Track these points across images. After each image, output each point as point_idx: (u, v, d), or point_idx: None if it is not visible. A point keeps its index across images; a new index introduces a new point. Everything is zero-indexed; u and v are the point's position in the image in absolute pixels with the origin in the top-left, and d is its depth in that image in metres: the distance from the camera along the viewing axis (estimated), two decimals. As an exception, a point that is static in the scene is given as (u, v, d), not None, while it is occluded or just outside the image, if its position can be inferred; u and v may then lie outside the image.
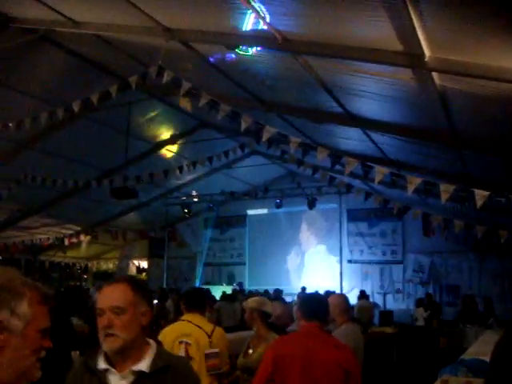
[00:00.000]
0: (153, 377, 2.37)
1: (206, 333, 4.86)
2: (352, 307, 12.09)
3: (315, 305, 4.32)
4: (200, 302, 5.15)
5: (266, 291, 17.29)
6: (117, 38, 8.59)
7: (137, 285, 2.56)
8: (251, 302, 5.62)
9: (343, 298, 6.10)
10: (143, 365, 2.39)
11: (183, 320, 5.02)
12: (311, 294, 5.15)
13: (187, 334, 4.81)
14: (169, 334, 4.88)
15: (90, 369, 2.41)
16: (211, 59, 8.30)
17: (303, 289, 17.17)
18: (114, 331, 2.35)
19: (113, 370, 2.39)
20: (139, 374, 2.37)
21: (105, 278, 22.10)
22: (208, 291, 16.06)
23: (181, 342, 4.77)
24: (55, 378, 2.82)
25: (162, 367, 2.40)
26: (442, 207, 11.94)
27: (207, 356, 4.76)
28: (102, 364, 2.40)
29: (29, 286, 1.68)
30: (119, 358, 2.38)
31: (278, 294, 16.80)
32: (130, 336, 2.39)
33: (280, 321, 6.43)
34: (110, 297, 2.44)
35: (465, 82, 6.31)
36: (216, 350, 4.83)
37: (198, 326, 4.88)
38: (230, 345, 5.56)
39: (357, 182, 12.10)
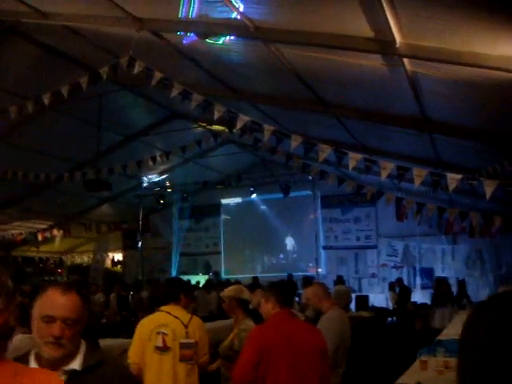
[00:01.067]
0: (85, 374, 2.39)
1: (183, 323, 4.91)
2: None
3: (288, 291, 4.44)
4: (174, 293, 5.16)
5: (238, 281, 17.43)
6: (86, 28, 8.50)
7: (83, 294, 2.59)
8: (229, 291, 5.70)
9: (319, 285, 6.28)
10: (75, 363, 2.40)
11: (162, 311, 5.05)
12: (283, 281, 5.23)
13: (164, 325, 4.85)
14: (146, 325, 4.92)
15: None
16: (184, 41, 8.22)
17: (290, 276, 17.22)
18: (63, 342, 2.33)
19: None
20: (71, 373, 2.37)
21: (79, 271, 21.97)
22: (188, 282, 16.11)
23: (158, 333, 4.81)
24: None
25: (93, 364, 2.43)
26: (415, 191, 12.11)
27: (181, 346, 4.82)
28: (33, 366, 2.35)
29: None
30: (54, 362, 2.36)
31: (256, 282, 16.90)
32: (74, 346, 2.41)
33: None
34: (64, 306, 2.39)
35: (435, 67, 6.39)
36: (191, 341, 4.88)
37: (176, 317, 4.91)
38: (210, 334, 5.61)
39: (330, 169, 12.16)
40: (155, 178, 18.73)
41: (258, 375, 3.94)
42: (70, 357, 2.40)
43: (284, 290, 4.40)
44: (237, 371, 4.09)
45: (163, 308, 5.08)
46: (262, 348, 3.97)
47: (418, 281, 17.91)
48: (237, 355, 5.20)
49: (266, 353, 3.95)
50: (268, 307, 4.34)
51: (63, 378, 2.28)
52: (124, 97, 12.56)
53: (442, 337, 6.70)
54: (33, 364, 2.35)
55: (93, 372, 2.41)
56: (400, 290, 15.38)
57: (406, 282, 16.84)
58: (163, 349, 4.79)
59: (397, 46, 5.92)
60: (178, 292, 5.17)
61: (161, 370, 4.70)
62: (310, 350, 4.03)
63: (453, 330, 7.63)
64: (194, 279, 18.83)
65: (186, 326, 4.90)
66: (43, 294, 2.47)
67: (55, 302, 2.40)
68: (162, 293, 5.25)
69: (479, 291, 15.23)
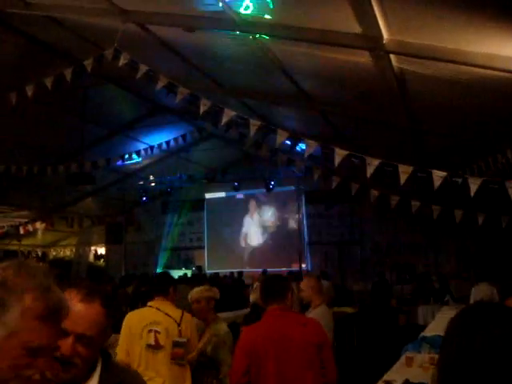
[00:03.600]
0: None
1: (175, 320, 4.84)
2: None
3: (277, 286, 4.26)
4: (164, 286, 5.11)
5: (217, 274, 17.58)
6: (71, 19, 8.37)
7: (109, 304, 2.07)
8: (206, 292, 5.60)
9: (316, 278, 6.35)
10: None
11: (151, 307, 4.96)
12: (272, 277, 5.12)
13: (157, 322, 4.77)
14: (137, 322, 4.81)
15: None
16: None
17: (264, 272, 17.25)
18: (74, 360, 1.87)
19: None
20: None
21: (62, 265, 21.77)
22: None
23: (150, 331, 4.73)
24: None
25: None
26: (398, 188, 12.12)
27: (174, 344, 4.75)
28: None
29: (34, 293, 1.38)
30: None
31: (240, 276, 16.98)
32: (87, 366, 1.94)
33: None
34: (82, 319, 1.89)
35: (422, 64, 6.39)
36: (184, 340, 4.82)
37: (167, 314, 4.84)
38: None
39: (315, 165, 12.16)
40: (139, 171, 18.64)
41: (251, 376, 3.90)
42: (84, 378, 1.95)
43: (272, 285, 4.29)
44: (231, 378, 4.06)
45: (152, 303, 5.00)
46: (251, 349, 3.93)
47: (401, 276, 18.00)
48: (210, 361, 5.19)
49: (255, 355, 3.90)
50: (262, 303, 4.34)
51: None
52: (108, 90, 12.44)
53: (426, 333, 6.73)
54: None
55: None
56: (382, 285, 15.46)
57: (388, 278, 16.93)
58: (156, 347, 4.73)
59: (384, 42, 5.91)
60: (167, 286, 5.13)
61: (154, 368, 4.62)
62: (304, 347, 3.96)
63: (436, 326, 7.68)
64: (177, 274, 18.83)
65: (178, 324, 4.85)
66: None
67: (71, 310, 1.79)
68: (152, 286, 5.20)
69: (462, 287, 15.30)
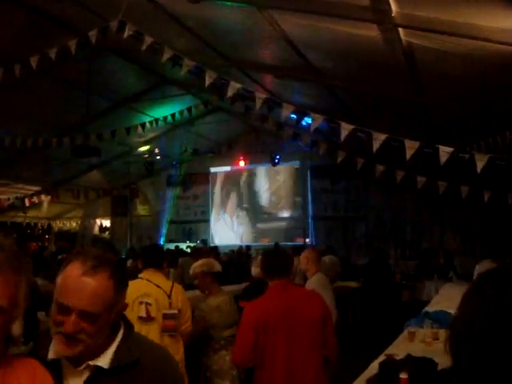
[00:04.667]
0: (115, 374, 1.81)
1: (166, 292, 4.81)
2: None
3: (282, 262, 4.16)
4: (157, 259, 5.07)
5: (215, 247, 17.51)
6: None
7: (119, 275, 1.89)
8: (201, 266, 5.58)
9: (315, 249, 6.86)
10: (103, 359, 1.82)
11: (142, 278, 4.93)
12: (273, 251, 5.00)
13: (147, 294, 4.73)
14: (129, 294, 4.74)
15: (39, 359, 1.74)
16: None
17: (276, 244, 17.25)
18: (79, 337, 1.75)
19: (66, 362, 1.82)
20: (97, 371, 1.81)
21: (68, 237, 21.87)
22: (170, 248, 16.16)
23: (141, 303, 4.69)
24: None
25: (126, 363, 1.84)
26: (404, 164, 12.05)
27: (165, 316, 4.73)
28: (52, 354, 1.81)
29: None
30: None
31: (247, 250, 17.07)
32: (97, 341, 1.80)
33: None
34: (84, 294, 1.75)
35: (431, 38, 6.30)
36: (174, 311, 4.80)
37: (158, 286, 4.81)
38: (194, 302, 5.58)
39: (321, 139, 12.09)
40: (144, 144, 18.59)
41: (257, 351, 3.83)
42: (97, 350, 1.83)
43: (274, 259, 4.18)
44: (236, 353, 3.98)
45: (143, 275, 4.95)
46: (258, 326, 3.84)
47: (406, 252, 18.01)
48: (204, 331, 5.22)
49: (263, 329, 3.82)
50: (264, 278, 4.27)
51: (87, 373, 1.81)
52: (113, 62, 12.34)
53: (429, 308, 6.74)
54: (52, 352, 1.82)
55: (126, 372, 1.82)
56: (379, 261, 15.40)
57: (392, 253, 16.96)
58: (147, 319, 4.70)
59: (393, 15, 5.82)
60: (161, 259, 5.10)
61: None
62: (309, 320, 3.92)
63: (439, 301, 7.68)
64: (182, 247, 18.93)
65: (169, 296, 4.82)
66: (66, 265, 1.82)
67: (73, 284, 1.76)
68: (146, 259, 5.15)
69: (468, 263, 15.30)
